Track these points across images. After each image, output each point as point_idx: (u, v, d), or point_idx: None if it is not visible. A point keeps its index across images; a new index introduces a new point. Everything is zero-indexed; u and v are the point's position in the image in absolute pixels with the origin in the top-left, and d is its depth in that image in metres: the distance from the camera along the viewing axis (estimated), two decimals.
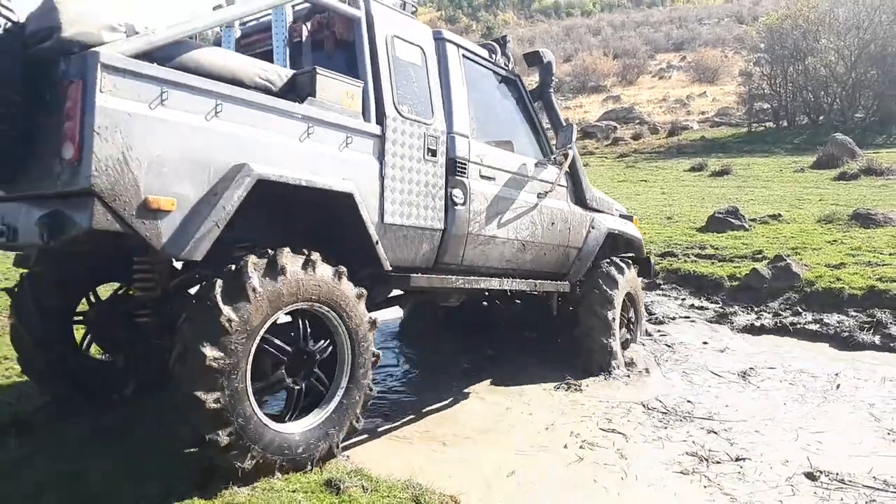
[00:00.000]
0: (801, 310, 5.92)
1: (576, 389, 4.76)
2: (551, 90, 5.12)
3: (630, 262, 5.41)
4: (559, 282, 4.98)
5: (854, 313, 5.71)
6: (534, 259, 4.81)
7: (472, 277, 4.34)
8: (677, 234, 8.07)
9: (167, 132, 2.72)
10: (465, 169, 4.18)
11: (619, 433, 4.13)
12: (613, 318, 4.97)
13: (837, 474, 3.72)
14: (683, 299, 6.49)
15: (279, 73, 3.35)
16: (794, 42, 18.52)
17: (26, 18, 2.68)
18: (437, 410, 4.43)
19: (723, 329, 5.87)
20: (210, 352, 2.66)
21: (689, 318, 6.12)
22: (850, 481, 3.65)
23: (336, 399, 3.23)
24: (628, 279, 5.24)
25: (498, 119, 4.78)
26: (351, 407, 3.25)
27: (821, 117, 17.93)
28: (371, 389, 3.36)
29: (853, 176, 11.31)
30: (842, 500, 3.52)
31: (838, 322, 5.63)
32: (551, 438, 3.97)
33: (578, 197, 5.11)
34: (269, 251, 2.95)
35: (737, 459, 3.95)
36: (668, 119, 21.87)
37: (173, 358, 2.72)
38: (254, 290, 2.80)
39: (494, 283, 4.50)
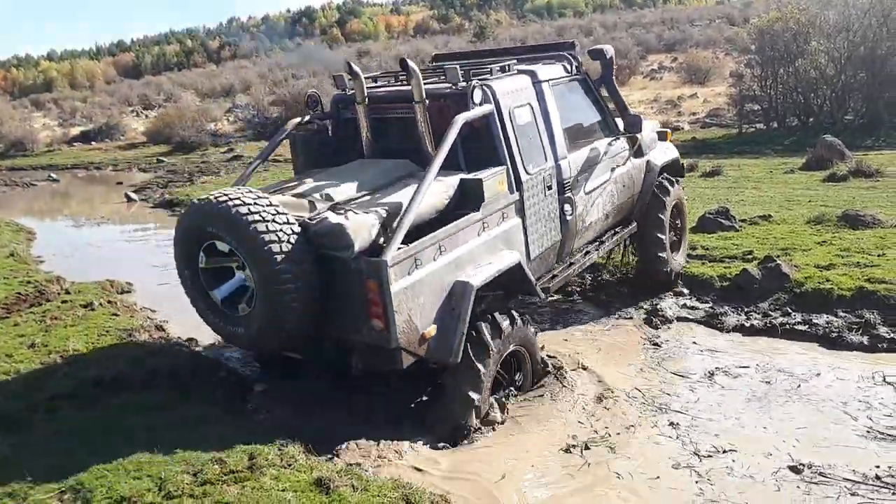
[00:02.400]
0: (790, 310, 5.95)
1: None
2: (613, 78, 6.05)
3: (673, 180, 6.53)
4: (629, 227, 6.21)
5: (843, 314, 5.74)
6: (612, 219, 5.98)
7: (576, 261, 5.49)
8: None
9: (421, 284, 3.86)
10: (569, 185, 5.12)
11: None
12: (664, 237, 6.33)
13: (819, 467, 3.79)
14: (675, 299, 6.50)
15: (451, 183, 4.34)
16: (784, 44, 18.57)
17: (316, 230, 3.82)
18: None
19: (712, 329, 5.90)
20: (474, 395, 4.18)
21: (680, 317, 6.14)
22: (831, 475, 3.71)
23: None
24: (675, 194, 6.52)
25: (578, 119, 5.50)
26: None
27: (811, 119, 17.99)
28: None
29: (842, 177, 11.36)
30: (825, 494, 3.58)
31: (827, 322, 5.66)
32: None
33: (637, 153, 6.14)
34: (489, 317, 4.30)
35: (724, 452, 4.01)
36: (659, 119, 21.93)
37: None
38: (489, 347, 4.20)
39: (591, 258, 5.70)
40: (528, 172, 4.71)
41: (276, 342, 4.01)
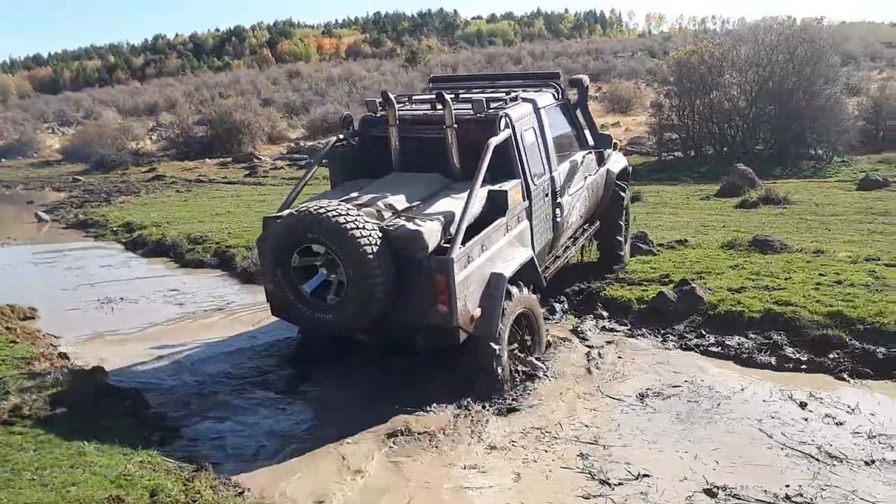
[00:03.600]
0: (704, 332, 6.13)
1: (476, 419, 4.79)
2: (587, 102, 7.19)
3: (624, 185, 7.81)
4: (594, 225, 7.44)
5: (753, 335, 5.95)
6: (584, 220, 7.16)
7: (560, 255, 6.63)
8: (588, 258, 8.25)
9: (472, 276, 4.83)
10: (559, 192, 6.19)
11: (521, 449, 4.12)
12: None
13: (733, 489, 3.85)
14: (595, 322, 6.60)
15: (482, 194, 5.18)
16: (700, 76, 19.46)
17: (397, 234, 4.71)
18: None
19: (630, 351, 5.99)
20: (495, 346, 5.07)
21: (603, 340, 6.22)
22: (745, 496, 3.77)
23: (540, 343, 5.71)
24: (627, 198, 7.89)
25: (562, 137, 6.58)
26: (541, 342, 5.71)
27: (725, 148, 18.85)
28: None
29: (753, 204, 11.91)
30: None
31: (738, 344, 5.85)
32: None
33: (601, 161, 7.33)
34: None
35: (638, 477, 4.02)
36: None
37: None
38: (504, 309, 5.07)
39: (570, 252, 6.90)
40: (534, 184, 5.76)
41: (360, 324, 4.87)
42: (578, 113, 7.06)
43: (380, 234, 4.67)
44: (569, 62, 50.10)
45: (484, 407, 4.95)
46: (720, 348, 5.84)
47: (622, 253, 7.80)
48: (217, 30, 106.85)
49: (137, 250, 11.07)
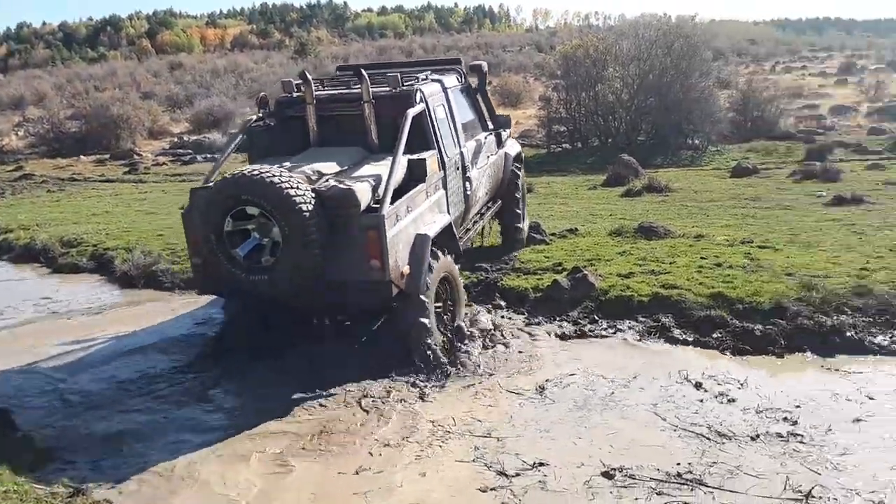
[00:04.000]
0: (597, 318, 6.30)
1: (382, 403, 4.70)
2: (486, 87, 7.79)
3: (520, 167, 8.40)
4: (496, 203, 7.95)
5: (643, 319, 6.18)
6: (488, 197, 7.63)
7: (470, 227, 7.06)
8: (485, 248, 8.31)
9: (400, 233, 5.15)
10: (468, 168, 6.64)
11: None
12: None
13: (629, 470, 3.95)
14: (493, 311, 6.64)
15: (403, 163, 5.49)
16: (586, 70, 20.11)
17: (330, 194, 4.98)
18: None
19: (528, 338, 6.07)
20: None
21: (499, 328, 6.26)
22: (639, 475, 3.88)
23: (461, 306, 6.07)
24: (522, 178, 8.58)
25: (467, 117, 7.10)
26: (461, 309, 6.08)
27: (610, 140, 19.59)
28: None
29: (637, 193, 12.41)
30: (634, 496, 3.73)
31: (629, 328, 6.06)
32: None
33: (499, 143, 7.85)
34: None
35: (534, 466, 4.04)
36: None
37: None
38: (428, 284, 5.40)
39: (478, 226, 7.45)
40: (447, 156, 6.12)
41: (295, 285, 4.99)
42: (478, 97, 7.60)
43: (313, 194, 4.89)
44: (460, 56, 50.61)
45: (385, 399, 4.89)
46: (613, 332, 6.02)
47: (521, 227, 8.36)
48: (90, 19, 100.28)
49: (3, 256, 10.16)
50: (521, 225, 8.36)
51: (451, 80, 6.88)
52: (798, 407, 4.58)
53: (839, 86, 33.73)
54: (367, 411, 4.84)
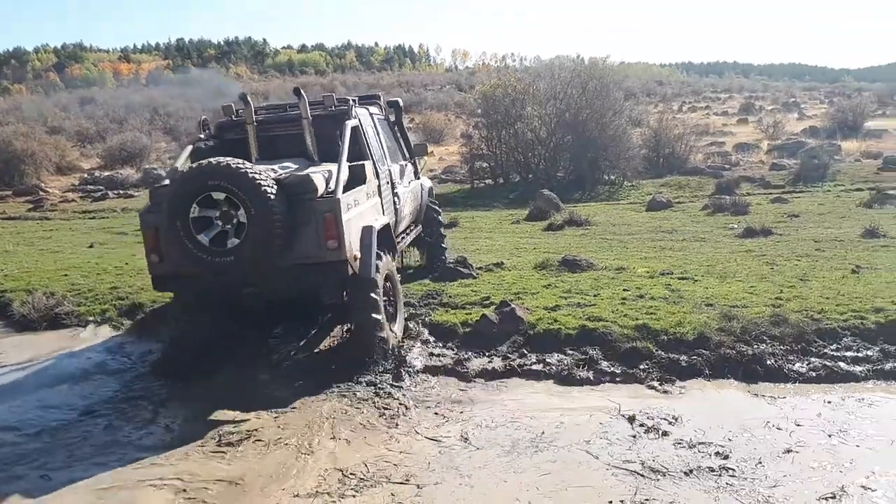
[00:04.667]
0: (526, 351, 6.23)
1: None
2: (402, 121, 8.66)
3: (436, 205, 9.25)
4: (418, 227, 8.69)
5: (571, 352, 6.15)
6: (411, 219, 8.29)
7: (399, 241, 7.44)
8: (413, 284, 8.18)
9: (351, 220, 5.71)
10: (396, 185, 7.40)
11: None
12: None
13: None
14: (422, 348, 6.47)
15: (345, 168, 5.95)
16: (505, 108, 20.58)
17: (289, 182, 5.55)
18: None
19: (456, 375, 5.93)
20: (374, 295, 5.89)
21: (428, 367, 6.09)
22: None
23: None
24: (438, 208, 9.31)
25: (391, 143, 7.96)
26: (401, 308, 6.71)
27: (530, 175, 20.02)
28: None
29: (559, 227, 12.64)
30: None
31: (558, 361, 6.00)
32: None
33: (416, 174, 8.80)
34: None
35: None
36: None
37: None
38: (378, 269, 5.98)
39: (405, 241, 8.05)
40: (380, 168, 6.88)
41: (260, 264, 5.36)
42: (396, 129, 8.49)
43: (275, 181, 5.38)
44: (381, 94, 50.87)
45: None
46: (542, 366, 5.95)
47: (444, 253, 9.06)
48: None
49: None
50: (445, 249, 9.11)
51: (375, 109, 7.71)
52: (730, 440, 4.54)
53: (741, 124, 35.82)
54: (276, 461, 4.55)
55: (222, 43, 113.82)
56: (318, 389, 5.63)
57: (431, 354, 6.35)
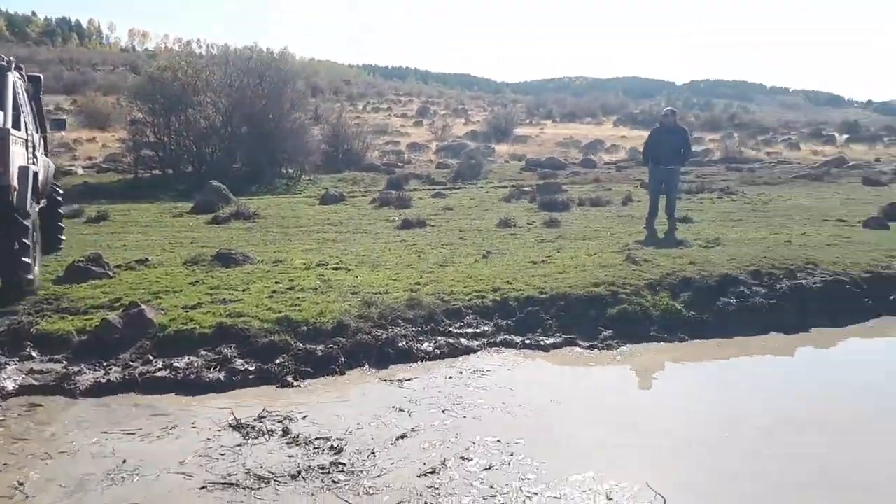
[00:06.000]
0: (152, 357, 5.58)
1: None
2: (40, 96, 8.82)
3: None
4: (43, 199, 8.36)
5: (204, 352, 5.66)
6: (43, 189, 8.15)
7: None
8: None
9: (14, 155, 6.40)
10: (37, 148, 7.94)
11: None
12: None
13: None
14: (20, 364, 5.42)
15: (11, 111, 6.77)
16: (175, 94, 19.06)
17: None
18: None
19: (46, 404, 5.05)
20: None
21: (25, 386, 5.11)
22: None
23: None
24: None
25: (33, 114, 8.17)
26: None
27: (204, 166, 18.83)
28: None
29: (225, 220, 12.01)
30: None
31: (188, 364, 5.48)
32: None
33: (46, 151, 9.01)
34: None
35: None
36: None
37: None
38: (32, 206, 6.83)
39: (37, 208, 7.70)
40: (28, 127, 7.47)
41: None
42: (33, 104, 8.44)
43: None
44: (39, 70, 44.26)
45: None
46: (169, 371, 5.38)
47: (63, 226, 9.55)
48: None
49: None
50: (62, 224, 9.55)
51: (19, 75, 7.78)
52: (351, 433, 4.43)
53: (416, 126, 38.42)
54: None
55: None
56: None
57: (32, 371, 5.35)
